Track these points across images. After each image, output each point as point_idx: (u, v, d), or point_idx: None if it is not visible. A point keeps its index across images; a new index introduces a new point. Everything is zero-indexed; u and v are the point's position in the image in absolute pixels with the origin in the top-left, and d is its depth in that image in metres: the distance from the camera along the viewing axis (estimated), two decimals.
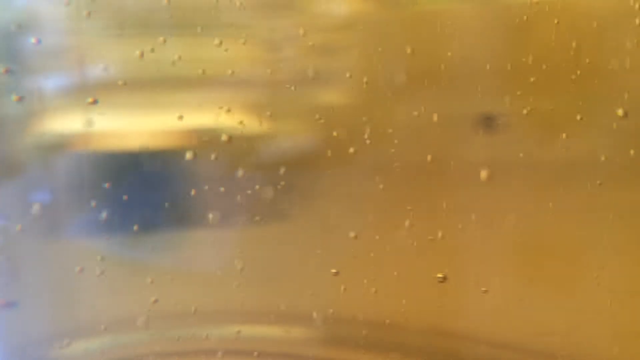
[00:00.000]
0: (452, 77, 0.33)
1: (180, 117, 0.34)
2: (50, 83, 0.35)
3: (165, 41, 0.34)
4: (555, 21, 0.32)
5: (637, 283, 0.34)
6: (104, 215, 0.35)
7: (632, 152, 0.32)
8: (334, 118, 0.34)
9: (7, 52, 0.35)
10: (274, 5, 0.34)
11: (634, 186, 0.33)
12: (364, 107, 0.34)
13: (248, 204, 0.35)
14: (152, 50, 0.34)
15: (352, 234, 0.34)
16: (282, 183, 0.34)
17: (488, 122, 0.33)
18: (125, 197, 0.35)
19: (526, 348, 0.35)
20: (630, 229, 0.34)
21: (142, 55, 0.34)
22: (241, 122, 0.34)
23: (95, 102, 0.34)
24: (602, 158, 0.33)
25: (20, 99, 0.35)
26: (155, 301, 0.35)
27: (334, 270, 0.34)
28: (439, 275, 0.34)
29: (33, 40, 0.34)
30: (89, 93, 0.34)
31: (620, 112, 0.32)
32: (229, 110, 0.34)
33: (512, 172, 0.33)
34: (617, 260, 0.34)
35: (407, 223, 0.34)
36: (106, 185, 0.35)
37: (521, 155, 0.33)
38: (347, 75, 0.34)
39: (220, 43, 0.33)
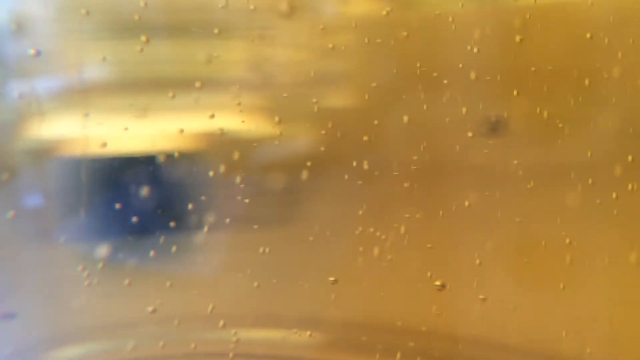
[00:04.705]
0: (454, 80, 0.33)
1: (178, 120, 0.34)
2: (45, 86, 0.35)
3: (164, 44, 0.33)
4: (556, 25, 0.32)
5: (636, 285, 0.34)
6: (101, 220, 0.35)
7: (631, 154, 0.32)
8: (336, 121, 0.34)
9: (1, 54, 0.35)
10: (276, 6, 0.33)
11: (633, 188, 0.33)
12: (365, 110, 0.34)
13: (247, 208, 0.34)
14: (151, 52, 0.33)
15: (351, 240, 0.34)
16: (282, 187, 0.34)
17: (491, 125, 0.33)
18: (120, 203, 0.35)
19: (526, 352, 0.35)
20: (630, 231, 0.34)
21: (140, 50, 0.33)
22: (239, 125, 0.34)
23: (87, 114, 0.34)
24: (602, 161, 0.33)
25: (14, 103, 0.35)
26: (154, 310, 0.35)
27: (332, 279, 0.34)
28: (438, 282, 0.34)
29: (31, 50, 0.34)
30: (85, 98, 0.34)
31: (621, 115, 0.32)
32: (229, 113, 0.34)
33: (513, 177, 0.33)
34: (616, 263, 0.34)
35: (406, 230, 0.34)
36: (101, 190, 0.35)
37: (522, 160, 0.33)
38: (351, 77, 0.33)
39: (222, 45, 0.33)
